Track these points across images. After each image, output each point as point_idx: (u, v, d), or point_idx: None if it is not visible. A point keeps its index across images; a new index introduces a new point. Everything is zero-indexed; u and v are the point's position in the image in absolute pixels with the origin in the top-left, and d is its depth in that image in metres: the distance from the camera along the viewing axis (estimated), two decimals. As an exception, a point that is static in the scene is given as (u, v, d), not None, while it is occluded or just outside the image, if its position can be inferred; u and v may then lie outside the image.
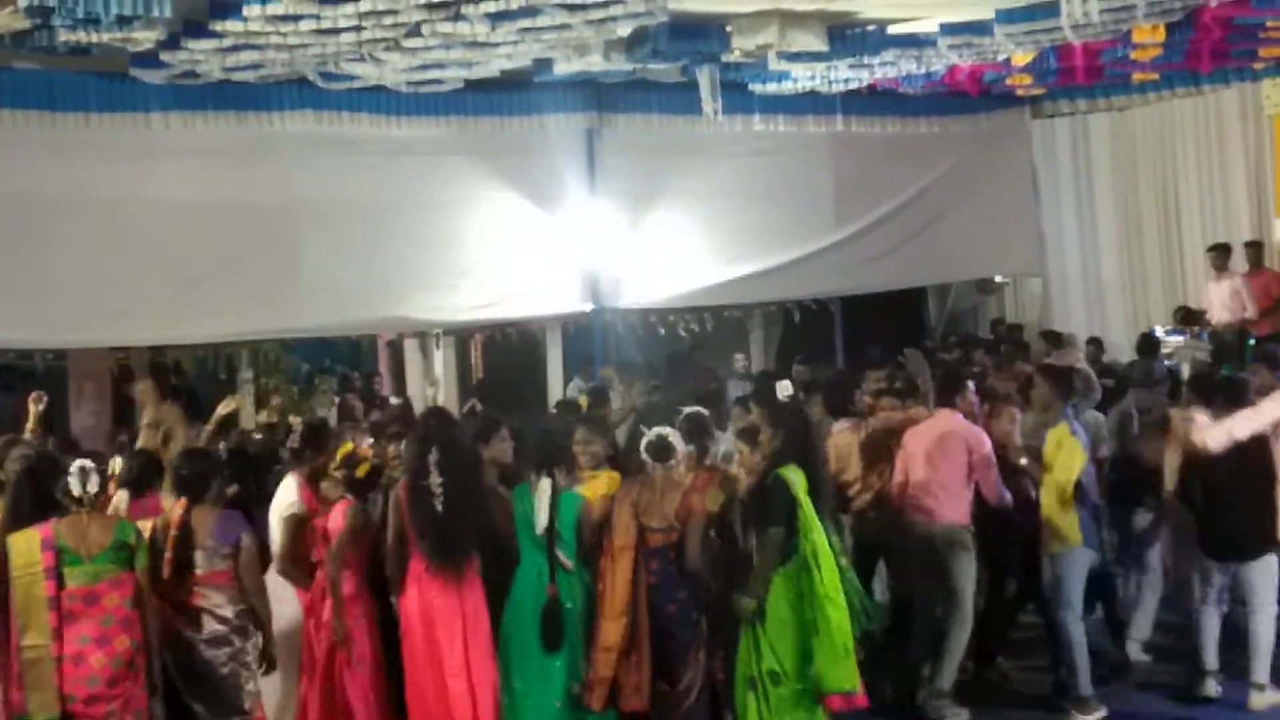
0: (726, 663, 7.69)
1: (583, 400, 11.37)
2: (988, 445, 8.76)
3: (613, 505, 7.65)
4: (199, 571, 7.10)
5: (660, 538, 7.53)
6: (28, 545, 6.97)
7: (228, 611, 7.19)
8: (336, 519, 7.71)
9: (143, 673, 6.99)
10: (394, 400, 13.96)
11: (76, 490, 6.98)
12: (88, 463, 7.07)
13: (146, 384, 8.60)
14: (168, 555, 7.00)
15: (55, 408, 14.74)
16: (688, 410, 8.41)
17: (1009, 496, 8.79)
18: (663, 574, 7.50)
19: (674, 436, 7.74)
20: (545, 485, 7.58)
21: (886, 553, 9.23)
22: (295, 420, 8.22)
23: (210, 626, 7.13)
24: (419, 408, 14.90)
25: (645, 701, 7.43)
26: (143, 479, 8.06)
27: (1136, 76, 15.03)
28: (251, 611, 7.32)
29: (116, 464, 8.34)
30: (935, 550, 8.72)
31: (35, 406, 10.13)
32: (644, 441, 7.73)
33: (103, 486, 7.16)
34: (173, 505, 7.20)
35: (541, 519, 7.52)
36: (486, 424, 8.28)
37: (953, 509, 8.71)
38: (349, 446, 8.00)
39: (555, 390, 14.93)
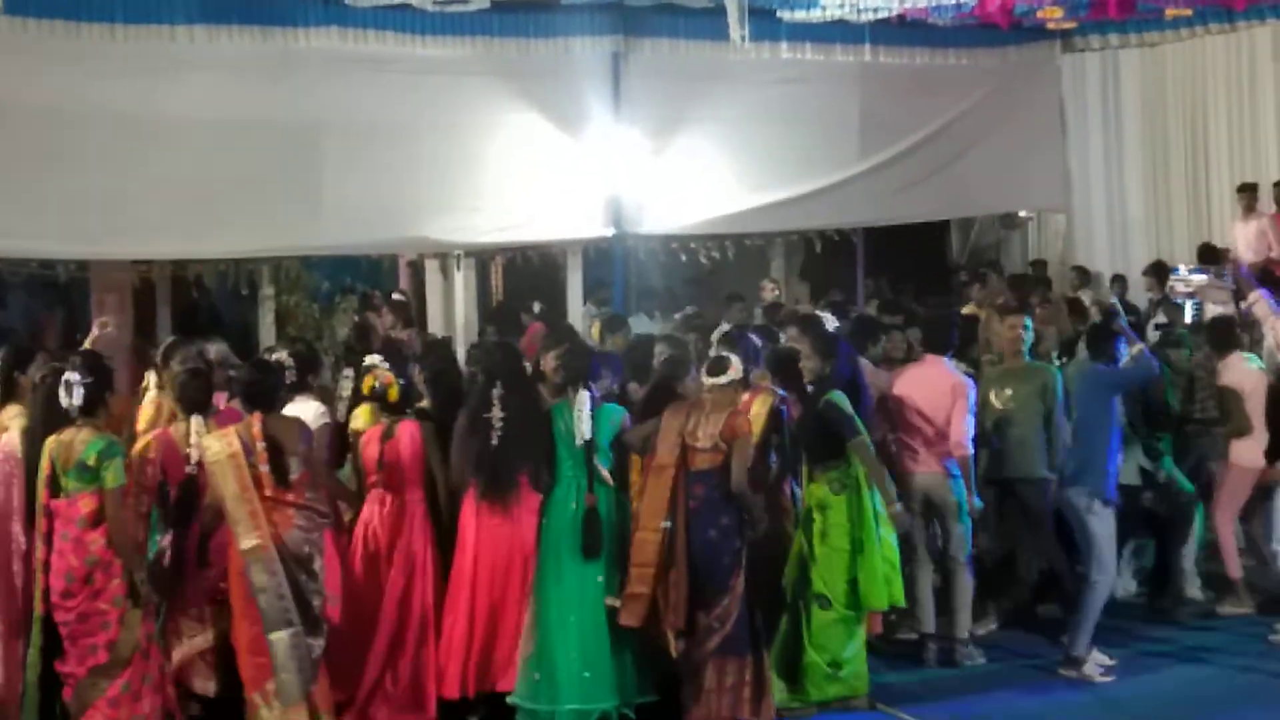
0: (769, 590, 7.78)
1: (596, 328, 11.12)
2: (969, 388, 8.69)
3: (660, 423, 7.63)
4: (294, 476, 7.19)
5: (705, 458, 7.47)
6: (45, 452, 7.28)
7: (324, 506, 7.38)
8: (373, 442, 7.91)
9: (107, 590, 7.13)
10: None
11: (64, 402, 7.19)
12: (73, 375, 7.24)
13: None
14: (264, 469, 7.08)
15: (78, 319, 14.90)
16: (727, 328, 8.42)
17: (968, 447, 8.62)
18: (706, 498, 7.46)
19: (731, 356, 7.72)
20: (584, 397, 7.59)
21: None
22: (282, 355, 8.27)
23: (315, 522, 7.26)
24: (438, 330, 15.02)
25: (682, 620, 7.44)
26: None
27: (1169, 12, 14.82)
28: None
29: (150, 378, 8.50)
30: (929, 499, 8.75)
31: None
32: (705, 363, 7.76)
33: (92, 399, 7.25)
34: (249, 418, 7.27)
35: (585, 429, 7.54)
36: (558, 334, 8.58)
37: (941, 456, 8.67)
38: (373, 381, 8.08)
39: (575, 314, 14.92)
